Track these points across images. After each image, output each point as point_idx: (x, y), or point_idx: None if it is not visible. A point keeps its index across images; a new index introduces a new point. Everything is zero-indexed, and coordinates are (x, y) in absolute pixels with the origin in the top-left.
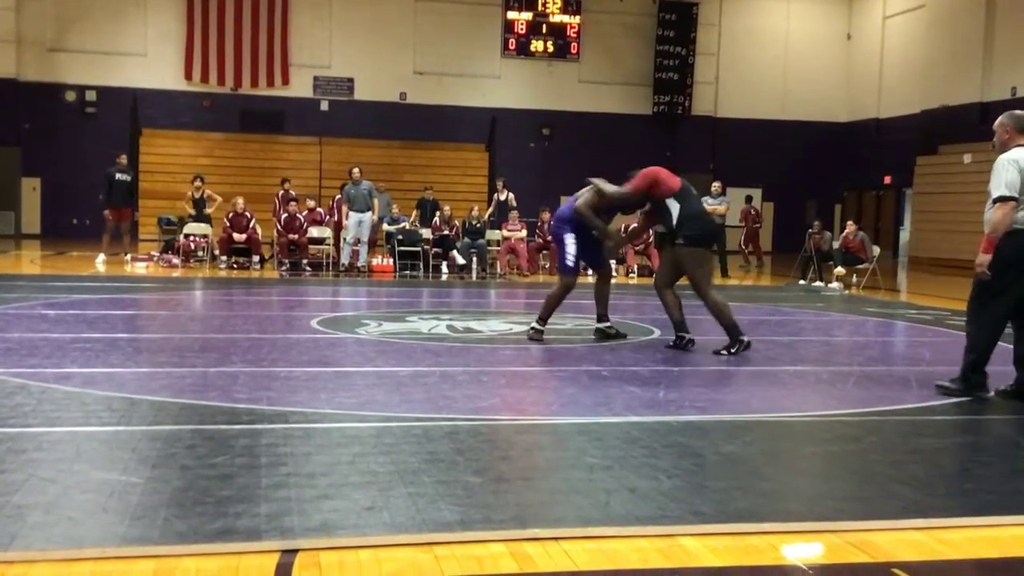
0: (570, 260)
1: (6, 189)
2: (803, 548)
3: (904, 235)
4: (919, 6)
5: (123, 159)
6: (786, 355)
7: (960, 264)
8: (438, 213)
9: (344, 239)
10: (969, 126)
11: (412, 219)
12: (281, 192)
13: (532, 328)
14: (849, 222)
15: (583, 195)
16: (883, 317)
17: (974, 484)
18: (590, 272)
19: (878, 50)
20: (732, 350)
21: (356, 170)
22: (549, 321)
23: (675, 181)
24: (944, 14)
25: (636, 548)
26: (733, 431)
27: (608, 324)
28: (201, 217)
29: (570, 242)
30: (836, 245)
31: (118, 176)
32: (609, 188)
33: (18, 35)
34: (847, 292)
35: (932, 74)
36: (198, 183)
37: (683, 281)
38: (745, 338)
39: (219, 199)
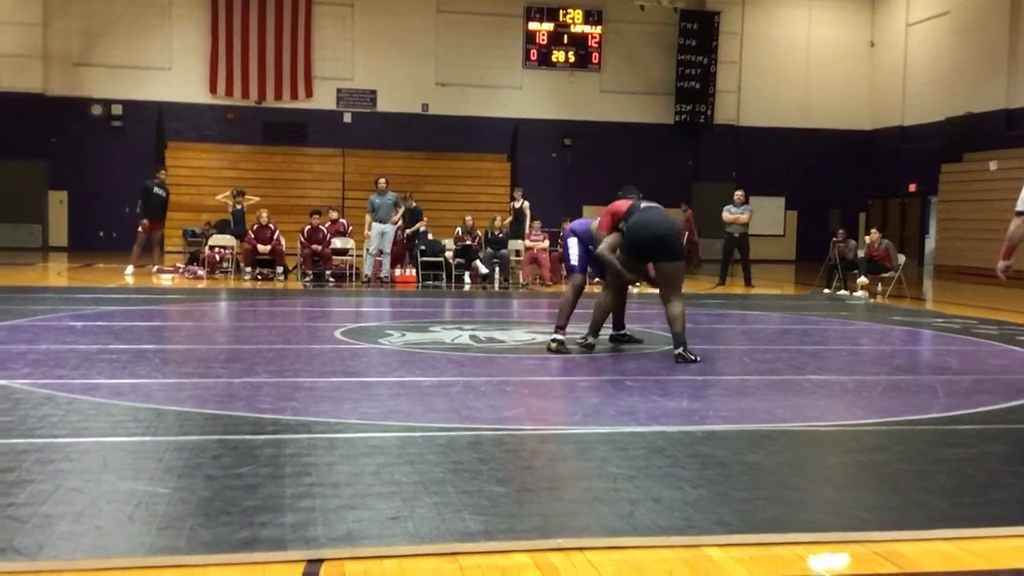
0: (574, 260)
1: (34, 202)
2: (830, 559)
3: (930, 243)
4: (943, 13)
5: (162, 174)
6: (811, 364)
7: (987, 272)
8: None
9: (366, 250)
10: (994, 133)
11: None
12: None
13: (553, 340)
14: (873, 230)
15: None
16: (909, 326)
17: (1002, 493)
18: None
19: (902, 57)
20: (584, 341)
21: (383, 180)
22: (569, 330)
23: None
24: (968, 21)
25: (661, 558)
26: (758, 440)
27: (623, 331)
28: (239, 229)
29: (572, 244)
30: (861, 254)
31: (156, 190)
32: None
33: (45, 50)
34: (872, 301)
35: (956, 81)
36: (239, 197)
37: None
38: (591, 341)
39: (255, 199)
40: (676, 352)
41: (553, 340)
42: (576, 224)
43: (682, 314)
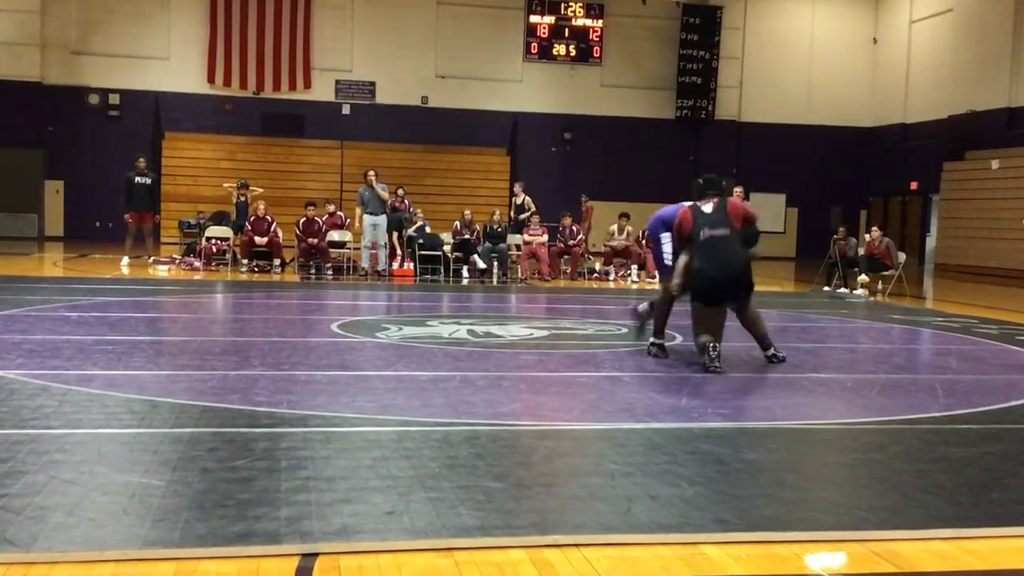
0: (667, 259)
1: (29, 191)
2: (827, 557)
3: (931, 242)
4: (946, 10)
5: (141, 162)
6: (810, 362)
7: (988, 271)
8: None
9: (363, 243)
10: (997, 131)
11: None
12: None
13: (652, 344)
14: (874, 228)
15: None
16: (909, 324)
17: (1000, 493)
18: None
19: (904, 54)
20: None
21: (371, 173)
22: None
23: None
24: (971, 18)
25: (658, 556)
26: (756, 438)
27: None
28: (240, 222)
29: (666, 240)
30: (861, 251)
31: (137, 179)
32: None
33: (42, 38)
34: (872, 299)
35: (959, 79)
36: (243, 189)
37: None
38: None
39: (260, 190)
40: (768, 354)
41: (652, 344)
42: (666, 213)
43: (758, 316)
